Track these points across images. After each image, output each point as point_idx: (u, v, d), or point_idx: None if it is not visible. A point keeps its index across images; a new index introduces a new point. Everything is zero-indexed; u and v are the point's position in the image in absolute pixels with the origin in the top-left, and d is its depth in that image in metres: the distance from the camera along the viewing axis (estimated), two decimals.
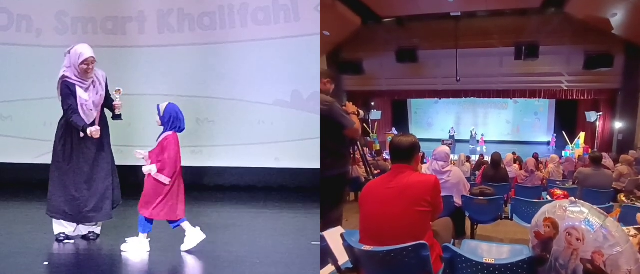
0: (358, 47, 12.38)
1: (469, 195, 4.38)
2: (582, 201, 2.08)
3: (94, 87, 3.48)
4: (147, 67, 5.25)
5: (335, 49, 12.17)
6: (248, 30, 5.25)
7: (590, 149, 11.82)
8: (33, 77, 5.10)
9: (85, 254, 3.43)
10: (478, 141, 15.52)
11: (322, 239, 2.54)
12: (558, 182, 6.64)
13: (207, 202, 4.88)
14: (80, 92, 3.42)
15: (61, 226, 3.53)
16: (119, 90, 3.54)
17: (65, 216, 3.50)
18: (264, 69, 5.23)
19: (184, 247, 3.36)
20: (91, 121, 3.45)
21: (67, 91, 3.40)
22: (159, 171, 3.36)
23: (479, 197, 4.35)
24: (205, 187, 5.30)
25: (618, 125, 11.75)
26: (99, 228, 3.63)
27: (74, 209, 3.48)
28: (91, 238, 3.59)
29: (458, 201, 4.31)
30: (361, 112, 3.50)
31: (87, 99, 3.44)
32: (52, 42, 5.19)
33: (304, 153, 5.16)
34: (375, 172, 4.35)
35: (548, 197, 4.99)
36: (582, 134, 12.99)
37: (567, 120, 14.20)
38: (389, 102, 15.88)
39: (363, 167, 5.39)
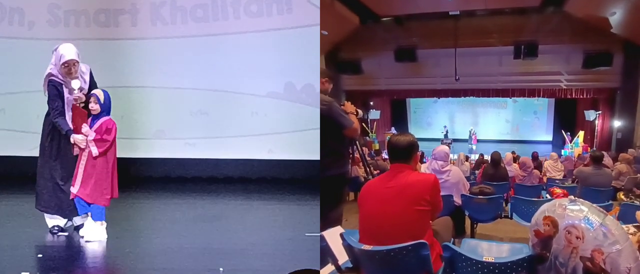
0: (357, 47, 12.38)
1: (468, 194, 4.38)
2: (581, 200, 2.08)
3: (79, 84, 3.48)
4: (139, 59, 5.24)
5: (334, 49, 12.17)
6: (241, 22, 5.24)
7: (589, 148, 11.83)
8: (25, 70, 5.06)
9: (78, 246, 3.43)
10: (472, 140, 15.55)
11: (322, 238, 2.54)
12: (557, 181, 6.64)
13: (201, 194, 4.89)
14: (66, 91, 3.46)
15: (54, 219, 3.55)
16: (81, 96, 3.51)
17: (54, 210, 3.53)
18: (257, 61, 5.23)
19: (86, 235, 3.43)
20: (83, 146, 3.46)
21: (54, 92, 3.43)
22: (104, 151, 3.44)
23: (479, 197, 4.35)
24: (199, 179, 5.31)
25: (617, 124, 11.76)
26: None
27: (62, 204, 3.50)
28: None
29: (458, 200, 4.32)
30: (360, 111, 3.50)
31: (71, 97, 3.47)
32: (44, 35, 5.18)
33: (297, 145, 5.17)
34: (375, 172, 4.34)
35: (547, 196, 5.00)
36: (581, 133, 13.00)
37: (567, 119, 14.20)
38: (388, 102, 15.86)
39: (362, 167, 5.39)
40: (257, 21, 5.23)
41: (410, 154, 2.45)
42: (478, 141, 15.59)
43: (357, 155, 4.00)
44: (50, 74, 3.44)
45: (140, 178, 5.15)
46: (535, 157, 9.17)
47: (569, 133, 13.22)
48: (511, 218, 4.46)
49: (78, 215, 3.55)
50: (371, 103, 14.73)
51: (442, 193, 2.56)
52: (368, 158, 7.01)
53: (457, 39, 11.26)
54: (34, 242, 3.46)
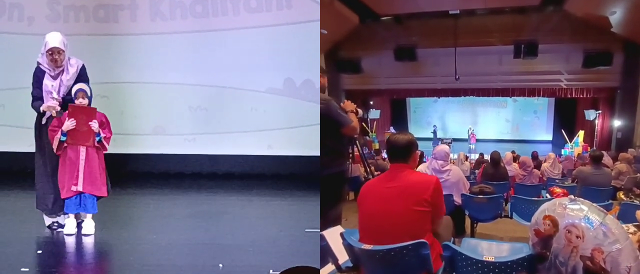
0: (356, 46, 12.36)
1: (468, 194, 4.39)
2: (581, 199, 2.08)
3: (61, 76, 3.48)
4: (139, 55, 5.23)
5: (333, 48, 12.16)
6: (240, 18, 5.23)
7: (589, 148, 11.83)
8: (25, 65, 4.99)
9: (78, 242, 3.42)
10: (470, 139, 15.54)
11: (322, 238, 2.54)
12: (557, 181, 6.64)
13: (200, 189, 4.89)
14: (47, 80, 3.47)
15: (53, 216, 3.54)
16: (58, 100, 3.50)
17: (43, 208, 3.53)
18: (257, 57, 5.21)
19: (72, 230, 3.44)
20: (57, 110, 3.46)
21: (35, 79, 3.47)
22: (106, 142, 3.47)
23: (479, 196, 4.35)
24: (198, 175, 5.30)
25: (617, 123, 11.77)
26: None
27: (47, 200, 3.51)
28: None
29: (458, 199, 4.32)
30: (360, 110, 3.50)
31: (52, 88, 3.46)
32: (43, 31, 5.08)
33: (296, 141, 5.16)
34: (376, 173, 4.34)
35: (547, 195, 5.00)
36: (581, 133, 13.00)
37: (566, 118, 14.20)
38: (388, 101, 15.86)
39: (362, 166, 5.39)
40: (256, 17, 5.22)
41: (409, 153, 2.44)
42: (478, 140, 15.58)
43: (357, 153, 4.00)
44: (38, 62, 3.48)
45: (140, 174, 5.15)
46: (535, 156, 9.16)
47: (557, 133, 13.23)
48: (511, 218, 4.46)
49: (64, 213, 3.52)
50: (371, 102, 14.72)
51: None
52: (367, 158, 7.00)
53: (457, 38, 11.25)
54: (33, 238, 3.46)
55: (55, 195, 3.50)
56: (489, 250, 2.64)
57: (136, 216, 4.05)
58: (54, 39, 3.43)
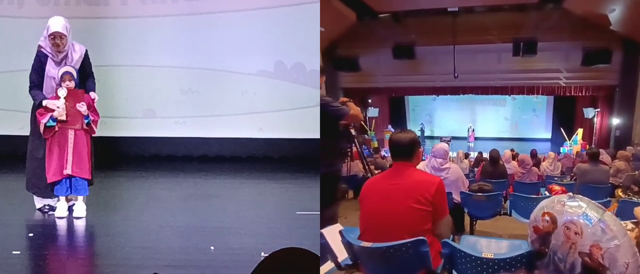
0: (354, 44, 12.33)
1: (467, 192, 4.39)
2: (580, 196, 2.09)
3: (66, 62, 3.47)
4: (129, 38, 5.23)
5: (331, 45, 12.13)
6: (231, 1, 5.25)
7: (588, 146, 11.84)
8: (15, 48, 5.07)
9: (69, 225, 3.43)
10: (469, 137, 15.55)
11: (321, 236, 2.54)
12: (556, 178, 6.66)
13: (191, 172, 4.91)
14: (50, 65, 3.45)
15: (44, 199, 3.54)
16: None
17: (35, 191, 3.52)
18: (248, 40, 5.22)
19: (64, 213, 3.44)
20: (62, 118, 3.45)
21: (37, 63, 3.44)
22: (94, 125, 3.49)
23: (478, 194, 4.36)
24: (189, 157, 5.32)
25: (615, 121, 11.77)
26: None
27: (40, 182, 3.50)
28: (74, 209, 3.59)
29: (457, 197, 4.33)
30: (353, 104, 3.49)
31: (56, 74, 3.44)
32: (34, 14, 5.16)
33: (287, 123, 5.18)
34: (376, 172, 4.35)
35: (546, 192, 5.02)
36: (580, 131, 13.01)
37: (565, 116, 14.20)
38: (386, 99, 15.83)
39: (361, 164, 5.38)
40: None
41: (413, 151, 2.45)
42: (477, 138, 15.59)
43: (355, 150, 4.00)
44: (39, 46, 3.45)
45: (131, 157, 5.16)
46: (534, 154, 9.17)
47: (556, 131, 13.24)
48: (510, 215, 4.47)
49: (55, 196, 3.52)
50: (369, 101, 14.70)
51: None
52: (366, 156, 6.99)
53: (456, 36, 11.23)
54: (24, 221, 3.47)
55: (41, 175, 3.50)
56: (488, 247, 2.64)
57: (127, 199, 4.06)
58: (56, 24, 3.41)
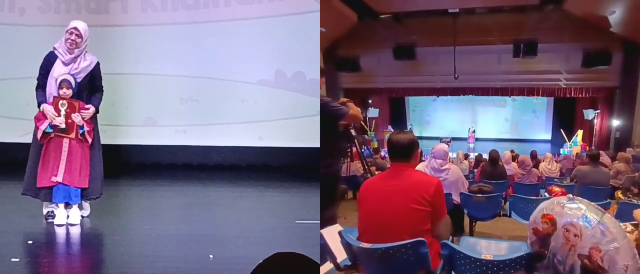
0: (355, 44, 12.33)
1: (467, 192, 4.39)
2: (579, 198, 2.09)
3: (73, 64, 3.47)
4: (130, 46, 5.24)
5: (332, 46, 12.13)
6: (231, 10, 5.24)
7: (587, 147, 11.85)
8: (16, 56, 5.08)
9: (68, 232, 3.43)
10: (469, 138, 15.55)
11: (321, 237, 2.54)
12: (556, 180, 6.66)
13: (191, 181, 4.91)
14: (58, 64, 3.44)
15: (50, 207, 3.54)
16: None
17: (33, 192, 3.52)
18: (248, 49, 5.23)
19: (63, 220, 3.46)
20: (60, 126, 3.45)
21: (45, 62, 3.45)
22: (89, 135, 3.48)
23: (478, 195, 4.36)
24: (189, 166, 5.32)
25: (615, 123, 11.78)
26: (87, 209, 3.64)
27: (30, 185, 3.50)
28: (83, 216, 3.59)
29: (456, 198, 4.32)
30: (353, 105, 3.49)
31: (62, 72, 3.44)
32: (35, 21, 5.17)
33: (287, 132, 5.19)
34: (376, 172, 4.34)
35: (546, 194, 5.01)
36: (579, 132, 13.01)
37: (565, 118, 14.20)
38: (387, 100, 15.84)
39: (360, 164, 5.38)
40: (247, 8, 5.23)
41: (411, 152, 2.44)
42: (477, 139, 15.59)
43: (355, 150, 3.99)
44: (54, 47, 3.47)
45: (131, 165, 5.16)
46: (534, 155, 9.18)
47: (556, 132, 13.23)
48: (510, 216, 4.47)
49: (52, 202, 3.52)
50: (370, 101, 14.71)
51: None
52: (366, 157, 6.99)
53: (456, 37, 11.23)
54: (23, 228, 3.46)
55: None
56: (488, 249, 2.65)
57: (127, 207, 4.06)
58: (76, 22, 3.47)
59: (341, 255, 2.46)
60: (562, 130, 13.54)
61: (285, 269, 1.05)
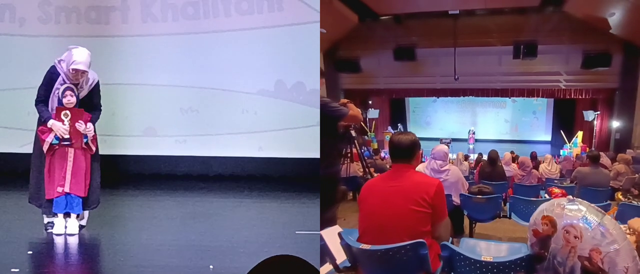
0: (355, 45, 12.35)
1: (467, 194, 4.38)
2: (579, 199, 2.08)
3: (77, 88, 3.48)
4: (130, 56, 5.25)
5: (332, 47, 12.14)
6: (232, 20, 5.26)
7: (587, 148, 11.84)
8: (16, 66, 5.10)
9: (68, 243, 3.42)
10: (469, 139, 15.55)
11: (320, 238, 2.54)
12: (556, 181, 6.65)
13: (191, 191, 4.92)
14: (59, 83, 3.45)
15: (51, 216, 3.54)
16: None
17: (39, 204, 3.52)
18: (248, 59, 5.25)
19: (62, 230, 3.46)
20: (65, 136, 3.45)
21: (48, 79, 3.44)
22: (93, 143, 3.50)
23: (478, 196, 4.35)
24: (189, 176, 5.33)
25: (615, 124, 11.78)
26: (85, 218, 3.63)
27: (41, 198, 3.50)
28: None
29: (456, 199, 4.32)
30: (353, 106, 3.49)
31: (63, 92, 3.44)
32: (35, 32, 5.20)
33: (287, 143, 5.20)
34: (375, 174, 4.34)
35: (546, 195, 5.01)
36: (579, 133, 13.01)
37: (565, 119, 14.20)
38: (387, 101, 15.84)
39: (360, 165, 5.38)
40: (247, 19, 5.26)
41: (413, 153, 2.44)
42: (477, 140, 15.59)
43: (355, 151, 4.00)
44: (56, 63, 3.45)
45: (130, 175, 5.17)
46: (534, 157, 9.18)
47: (556, 134, 13.22)
48: (510, 218, 4.47)
49: (53, 212, 3.51)
50: (370, 102, 14.72)
51: None
52: (366, 157, 6.99)
53: (457, 38, 11.24)
54: (24, 238, 3.47)
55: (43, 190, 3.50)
56: (488, 250, 2.64)
57: (127, 217, 4.06)
58: (81, 58, 3.38)
59: (341, 256, 2.45)
60: (562, 131, 13.54)
61: (284, 271, 1.05)
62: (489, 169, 6.16)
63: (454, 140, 15.09)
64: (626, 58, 11.01)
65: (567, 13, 10.30)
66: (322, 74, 3.53)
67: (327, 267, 2.52)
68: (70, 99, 3.41)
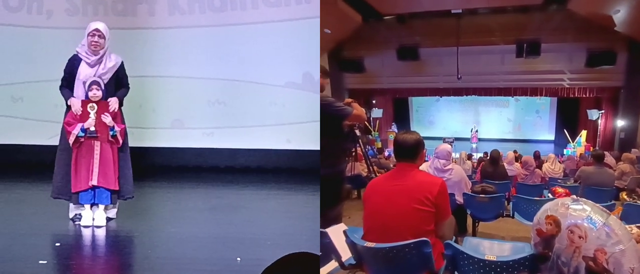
0: (359, 45, 12.35)
1: (470, 193, 4.38)
2: (584, 199, 2.08)
3: (98, 67, 3.49)
4: (157, 49, 5.27)
5: (336, 47, 12.15)
6: (259, 12, 5.26)
7: (591, 148, 11.79)
8: (44, 58, 5.12)
9: (96, 234, 3.44)
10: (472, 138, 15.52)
11: (325, 235, 2.55)
12: (559, 180, 6.63)
13: (218, 183, 4.94)
14: (83, 67, 3.47)
15: (76, 208, 3.56)
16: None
17: (65, 195, 3.54)
18: (275, 51, 5.25)
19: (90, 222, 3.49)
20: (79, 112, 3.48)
21: (69, 65, 3.49)
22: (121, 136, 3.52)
23: (481, 195, 4.35)
24: (216, 168, 5.34)
25: (620, 123, 11.72)
26: (115, 211, 3.65)
27: (68, 189, 3.52)
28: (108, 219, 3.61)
29: (459, 198, 4.32)
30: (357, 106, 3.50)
31: (89, 75, 3.47)
32: (62, 24, 5.22)
33: (315, 135, 5.15)
34: (380, 172, 4.35)
35: (549, 195, 5.00)
36: (583, 132, 12.96)
37: (569, 118, 14.15)
38: (390, 100, 15.84)
39: (364, 164, 5.38)
40: (275, 11, 5.26)
41: (417, 152, 2.45)
42: (480, 139, 15.56)
43: (359, 151, 4.00)
44: (76, 51, 3.50)
45: (157, 167, 5.19)
46: (537, 156, 9.15)
47: (560, 133, 13.18)
48: (513, 217, 4.46)
49: (79, 203, 3.54)
50: (373, 102, 14.73)
51: None
52: (370, 157, 6.99)
53: (460, 38, 11.21)
54: (51, 230, 3.49)
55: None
56: (491, 249, 2.64)
57: (154, 209, 4.08)
58: (97, 23, 3.50)
59: (346, 254, 2.46)
60: (565, 130, 13.49)
61: (288, 266, 1.06)
62: (490, 168, 6.16)
63: (457, 139, 15.08)
64: (631, 56, 10.94)
65: (570, 11, 10.24)
66: (327, 74, 3.53)
67: (333, 264, 2.53)
68: (96, 93, 3.45)
